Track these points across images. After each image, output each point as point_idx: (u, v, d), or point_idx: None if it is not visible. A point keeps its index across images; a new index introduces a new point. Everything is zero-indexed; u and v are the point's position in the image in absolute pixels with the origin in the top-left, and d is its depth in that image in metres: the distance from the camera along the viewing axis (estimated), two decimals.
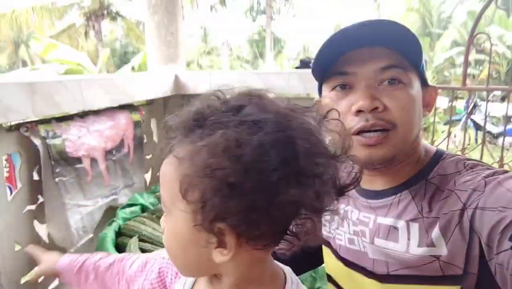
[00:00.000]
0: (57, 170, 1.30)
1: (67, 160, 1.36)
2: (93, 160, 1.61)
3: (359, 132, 0.67)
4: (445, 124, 6.95)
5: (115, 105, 1.69)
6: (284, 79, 2.07)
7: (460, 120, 7.10)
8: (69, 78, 1.53)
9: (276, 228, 0.44)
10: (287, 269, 0.55)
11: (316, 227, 0.46)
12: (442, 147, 2.33)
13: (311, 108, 0.49)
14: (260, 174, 0.40)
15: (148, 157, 2.16)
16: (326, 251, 0.86)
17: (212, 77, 2.20)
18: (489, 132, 6.63)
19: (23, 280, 1.04)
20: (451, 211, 0.62)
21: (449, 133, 2.59)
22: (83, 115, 1.55)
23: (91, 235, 1.60)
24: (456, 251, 0.61)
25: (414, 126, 0.69)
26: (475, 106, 6.91)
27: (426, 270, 0.64)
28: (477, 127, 6.67)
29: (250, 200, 0.40)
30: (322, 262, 0.90)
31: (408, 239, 0.66)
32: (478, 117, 6.88)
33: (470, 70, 12.52)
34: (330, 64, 0.70)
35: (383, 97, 0.66)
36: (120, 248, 1.32)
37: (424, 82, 0.72)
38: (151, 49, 2.28)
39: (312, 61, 0.71)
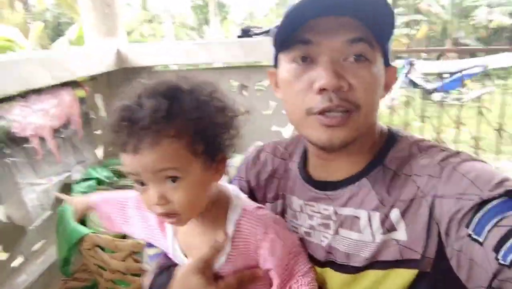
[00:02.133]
0: (6, 151, 1.31)
1: (15, 141, 1.37)
2: (42, 139, 1.62)
3: (321, 112, 0.62)
4: None
5: (57, 82, 1.68)
6: (227, 48, 2.12)
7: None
8: (5, 58, 1.50)
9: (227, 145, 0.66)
10: (231, 187, 0.74)
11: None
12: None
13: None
14: (219, 113, 0.64)
15: (97, 132, 2.17)
16: None
17: (155, 49, 2.20)
18: (424, 89, 7.11)
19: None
20: (410, 198, 0.62)
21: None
22: (24, 95, 1.54)
23: (50, 212, 1.64)
24: (415, 237, 0.61)
25: (376, 108, 0.65)
26: (411, 64, 7.32)
27: (385, 255, 0.64)
28: (414, 84, 7.10)
29: (223, 130, 0.64)
30: None
31: (371, 227, 0.65)
32: (414, 75, 7.30)
33: (407, 30, 13.06)
34: (291, 31, 0.62)
35: (348, 74, 0.61)
36: (80, 220, 1.38)
37: (386, 61, 0.67)
38: (88, 22, 2.22)
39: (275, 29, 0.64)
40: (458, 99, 7.17)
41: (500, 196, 0.53)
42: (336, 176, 0.71)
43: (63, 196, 1.00)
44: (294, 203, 0.77)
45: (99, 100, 2.21)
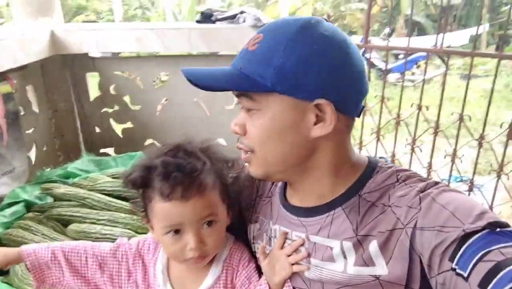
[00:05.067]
0: None
1: None
2: None
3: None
4: None
5: None
6: (185, 35, 1.85)
7: None
8: None
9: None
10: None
11: None
12: None
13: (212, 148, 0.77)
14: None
15: (29, 131, 1.84)
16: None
17: (98, 33, 1.88)
18: (379, 69, 7.15)
19: None
20: (388, 229, 0.62)
21: None
22: None
23: None
24: (397, 271, 0.60)
25: (279, 149, 0.67)
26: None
27: (365, 288, 0.63)
28: (370, 64, 7.12)
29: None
30: None
31: (345, 258, 0.65)
32: (370, 55, 7.31)
33: (362, 5, 13.11)
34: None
35: (247, 121, 0.68)
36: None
37: (305, 97, 0.63)
38: (15, 0, 1.83)
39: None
40: (412, 81, 7.33)
41: (482, 228, 0.53)
42: (308, 204, 0.72)
43: None
44: (270, 229, 0.78)
45: (30, 93, 1.88)
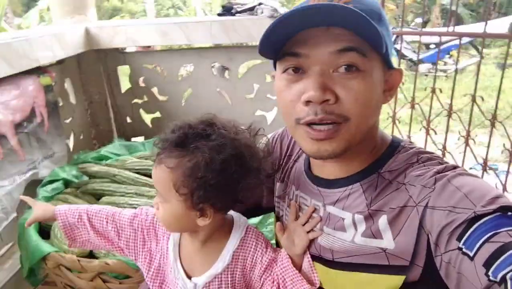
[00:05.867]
0: None
1: None
2: (2, 137, 1.48)
3: (308, 124, 0.62)
4: None
5: (17, 71, 1.52)
6: (206, 28, 1.96)
7: None
8: None
9: (233, 201, 0.72)
10: (235, 214, 0.81)
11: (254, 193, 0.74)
12: None
13: (247, 129, 0.75)
14: (224, 175, 0.67)
15: (67, 121, 2.02)
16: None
17: (128, 29, 2.03)
18: (410, 60, 7.01)
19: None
20: (400, 206, 0.62)
21: None
22: None
23: (14, 215, 1.52)
24: (404, 246, 0.61)
25: (370, 117, 0.64)
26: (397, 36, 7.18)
27: (372, 259, 0.64)
28: (401, 55, 6.98)
29: (221, 190, 0.67)
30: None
31: (355, 229, 0.66)
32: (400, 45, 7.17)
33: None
34: (281, 44, 0.63)
35: (337, 86, 0.60)
36: (44, 232, 1.27)
37: (388, 65, 0.65)
38: (54, 0, 2.01)
39: (259, 40, 0.63)
40: (444, 71, 7.14)
41: (493, 211, 0.52)
42: (329, 176, 0.72)
43: (27, 198, 0.93)
44: (293, 192, 0.79)
45: (68, 85, 2.06)
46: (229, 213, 0.80)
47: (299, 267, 0.74)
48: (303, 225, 0.73)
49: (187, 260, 0.79)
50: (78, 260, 1.05)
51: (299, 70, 0.63)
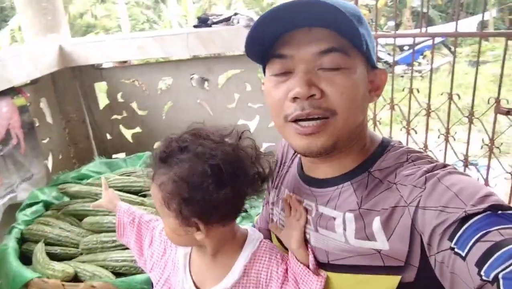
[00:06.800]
0: None
1: None
2: None
3: (296, 120, 0.64)
4: None
5: None
6: (183, 40, 1.95)
7: None
8: None
9: (229, 212, 0.71)
10: (250, 228, 0.80)
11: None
12: None
13: (229, 134, 0.72)
14: (205, 189, 0.65)
15: (45, 141, 1.97)
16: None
17: (103, 44, 2.00)
18: (385, 62, 7.15)
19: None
20: (392, 206, 0.62)
21: None
22: None
23: None
24: (398, 247, 0.61)
25: (356, 113, 0.65)
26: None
27: (367, 260, 0.64)
28: (376, 58, 7.12)
29: (208, 204, 0.65)
30: None
31: (344, 229, 0.66)
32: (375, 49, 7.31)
33: (367, 1, 13.08)
34: (267, 47, 0.66)
35: (322, 82, 0.62)
36: (25, 257, 1.22)
37: (371, 65, 0.68)
38: (25, 20, 1.97)
39: (245, 41, 0.65)
40: (419, 71, 7.31)
41: (484, 210, 0.52)
42: (321, 175, 0.74)
43: (103, 180, 1.04)
44: (285, 195, 0.81)
45: (44, 105, 2.01)
46: (243, 227, 0.81)
47: (306, 263, 0.73)
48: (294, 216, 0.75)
49: (198, 273, 0.79)
50: (63, 285, 1.01)
51: (286, 72, 0.65)
